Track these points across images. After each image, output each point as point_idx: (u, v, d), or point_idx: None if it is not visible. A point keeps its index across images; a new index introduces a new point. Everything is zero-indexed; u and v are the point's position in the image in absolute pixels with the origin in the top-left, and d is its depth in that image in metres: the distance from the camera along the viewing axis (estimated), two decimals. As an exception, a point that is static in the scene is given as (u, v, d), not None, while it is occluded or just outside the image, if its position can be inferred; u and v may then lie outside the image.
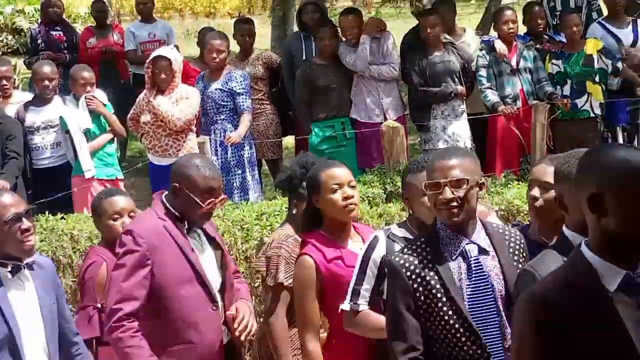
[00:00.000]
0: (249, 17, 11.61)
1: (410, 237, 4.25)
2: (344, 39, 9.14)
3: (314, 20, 9.53)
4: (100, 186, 8.46)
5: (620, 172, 2.66)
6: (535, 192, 4.18)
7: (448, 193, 3.72)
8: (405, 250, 3.84)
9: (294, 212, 5.17)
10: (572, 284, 2.71)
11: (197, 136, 8.55)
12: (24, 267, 4.26)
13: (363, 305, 4.28)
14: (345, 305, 4.31)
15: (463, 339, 3.71)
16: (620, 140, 9.08)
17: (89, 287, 5.17)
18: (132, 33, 11.40)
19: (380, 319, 4.10)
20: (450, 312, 3.72)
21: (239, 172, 8.87)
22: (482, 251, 3.80)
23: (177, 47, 10.05)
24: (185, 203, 4.57)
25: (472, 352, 3.71)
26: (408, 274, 3.75)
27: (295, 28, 10.92)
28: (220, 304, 4.65)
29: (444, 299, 3.72)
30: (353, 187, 4.62)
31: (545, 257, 3.45)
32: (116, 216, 5.23)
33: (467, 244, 3.78)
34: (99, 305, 5.06)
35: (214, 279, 4.66)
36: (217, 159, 8.63)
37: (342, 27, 9.17)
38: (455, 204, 3.74)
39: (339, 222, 4.61)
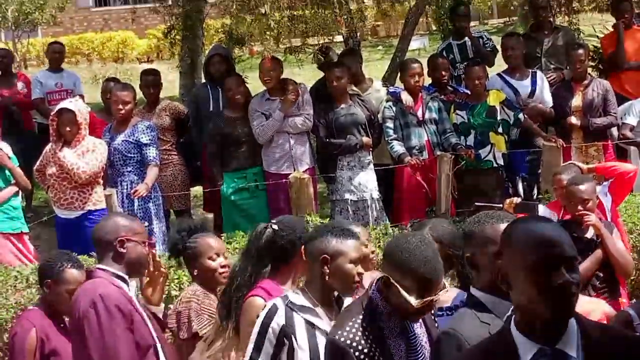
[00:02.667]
0: (154, 67, 11.53)
1: (310, 305, 4.17)
2: (263, 82, 9.12)
3: (220, 71, 9.55)
4: (5, 240, 8.33)
5: (517, 249, 2.73)
6: None
7: None
8: (347, 328, 3.80)
9: (195, 273, 5.21)
10: (492, 355, 2.79)
11: (104, 188, 8.45)
12: None
13: None
14: None
15: None
16: (520, 190, 9.25)
17: (18, 353, 5.08)
18: (39, 82, 11.31)
19: None
20: None
21: (146, 224, 8.72)
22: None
23: (82, 97, 9.95)
24: (133, 253, 4.59)
25: None
26: (357, 354, 3.73)
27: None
28: None
29: None
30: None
31: (463, 317, 3.53)
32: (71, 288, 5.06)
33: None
34: None
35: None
36: (124, 211, 8.54)
37: (261, 70, 9.11)
38: None
39: None
